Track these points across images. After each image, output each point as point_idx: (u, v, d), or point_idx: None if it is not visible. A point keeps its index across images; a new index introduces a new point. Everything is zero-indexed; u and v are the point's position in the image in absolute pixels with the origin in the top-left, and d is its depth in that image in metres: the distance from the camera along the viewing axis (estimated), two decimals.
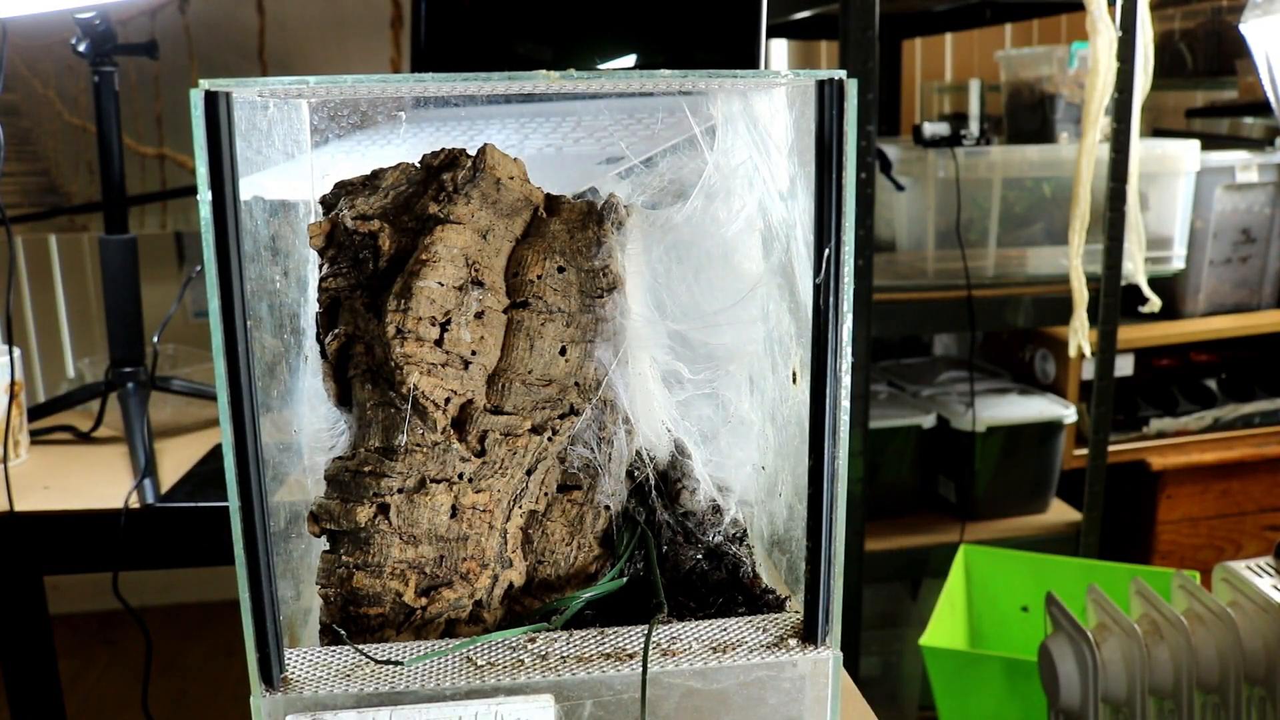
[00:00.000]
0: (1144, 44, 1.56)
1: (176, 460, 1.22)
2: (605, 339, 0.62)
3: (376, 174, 0.63)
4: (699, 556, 0.66)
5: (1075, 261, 1.56)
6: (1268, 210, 2.04)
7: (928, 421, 1.82)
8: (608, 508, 0.65)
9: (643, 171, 0.71)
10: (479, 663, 0.57)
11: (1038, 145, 1.78)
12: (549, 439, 0.61)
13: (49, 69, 1.64)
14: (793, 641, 0.59)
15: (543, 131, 0.87)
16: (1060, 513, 1.87)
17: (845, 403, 0.56)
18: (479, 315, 0.59)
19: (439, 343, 0.58)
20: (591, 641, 0.59)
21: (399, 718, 0.53)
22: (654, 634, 0.59)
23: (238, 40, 1.64)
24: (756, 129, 0.63)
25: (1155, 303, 1.70)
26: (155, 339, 1.28)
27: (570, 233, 0.62)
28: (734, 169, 0.64)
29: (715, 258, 0.64)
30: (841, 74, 0.53)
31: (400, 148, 0.70)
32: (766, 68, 1.27)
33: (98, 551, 1.11)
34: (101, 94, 1.20)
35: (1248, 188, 2.01)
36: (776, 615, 0.62)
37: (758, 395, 0.68)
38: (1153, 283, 1.71)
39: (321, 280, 0.62)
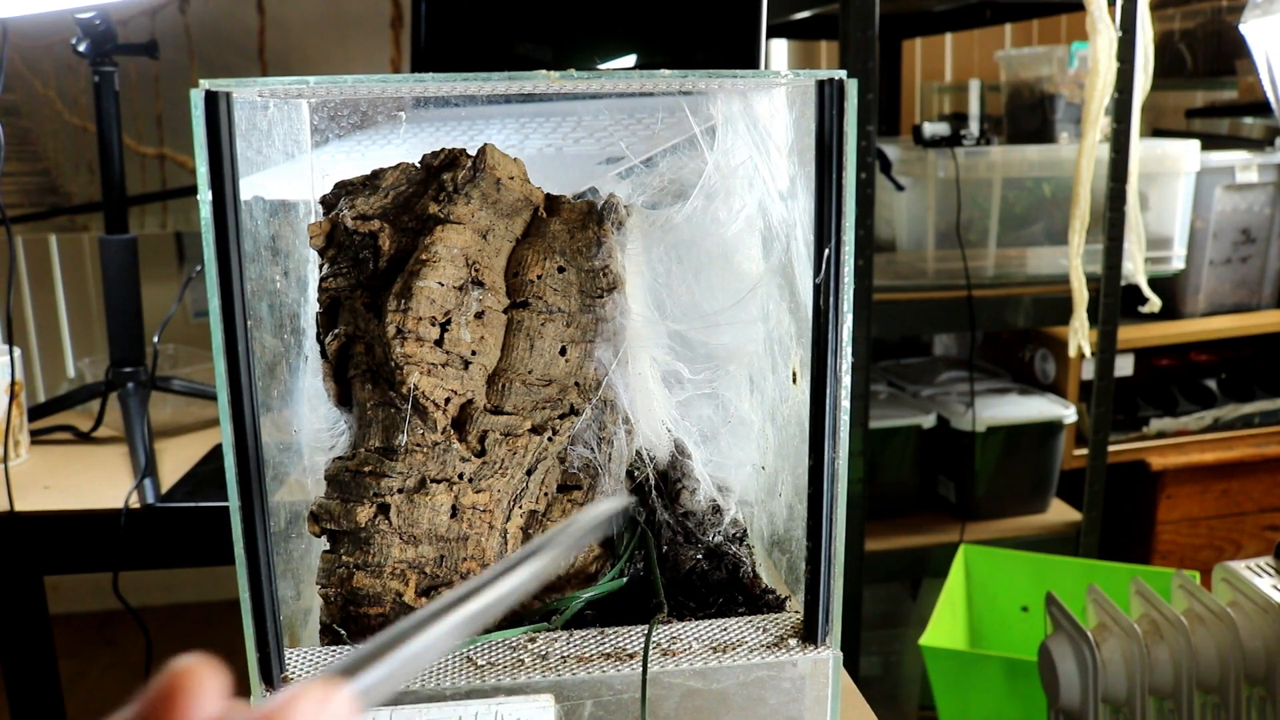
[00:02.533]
0: (1144, 44, 1.56)
1: (176, 460, 1.22)
2: (605, 339, 0.62)
3: (376, 174, 0.63)
4: (699, 556, 0.66)
5: (1075, 261, 1.56)
6: (1268, 210, 2.04)
7: (928, 421, 1.82)
8: None
9: (643, 171, 0.71)
10: (479, 663, 0.57)
11: (1038, 145, 1.78)
12: (549, 439, 0.61)
13: (49, 69, 1.64)
14: (793, 641, 0.59)
15: (543, 131, 0.87)
16: (1060, 513, 1.87)
17: (845, 403, 0.56)
18: (479, 315, 0.59)
19: (439, 343, 0.58)
20: (591, 641, 0.59)
21: (399, 718, 0.53)
22: (654, 634, 0.59)
23: (238, 40, 1.64)
24: (756, 129, 0.63)
25: (1155, 303, 1.70)
26: (155, 339, 1.28)
27: (570, 233, 0.62)
28: (734, 169, 0.64)
29: (715, 258, 0.64)
30: (841, 74, 0.53)
31: (400, 148, 0.70)
32: (766, 68, 1.27)
33: (98, 551, 1.11)
34: (101, 94, 1.20)
35: (1248, 188, 2.01)
36: (776, 615, 0.62)
37: (758, 395, 0.68)
38: (1153, 283, 1.71)
39: (321, 280, 0.62)
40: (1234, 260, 2.06)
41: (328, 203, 0.64)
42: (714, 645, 0.59)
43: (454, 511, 0.59)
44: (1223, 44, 2.22)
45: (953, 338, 2.30)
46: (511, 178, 0.62)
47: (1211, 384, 2.10)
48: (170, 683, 0.22)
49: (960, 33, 2.51)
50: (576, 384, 0.62)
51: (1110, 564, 1.58)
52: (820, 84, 0.53)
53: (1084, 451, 1.78)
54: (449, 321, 0.58)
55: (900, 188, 1.75)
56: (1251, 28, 1.55)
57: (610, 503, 0.32)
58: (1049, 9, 2.03)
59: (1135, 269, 1.68)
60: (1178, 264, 1.86)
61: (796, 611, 0.63)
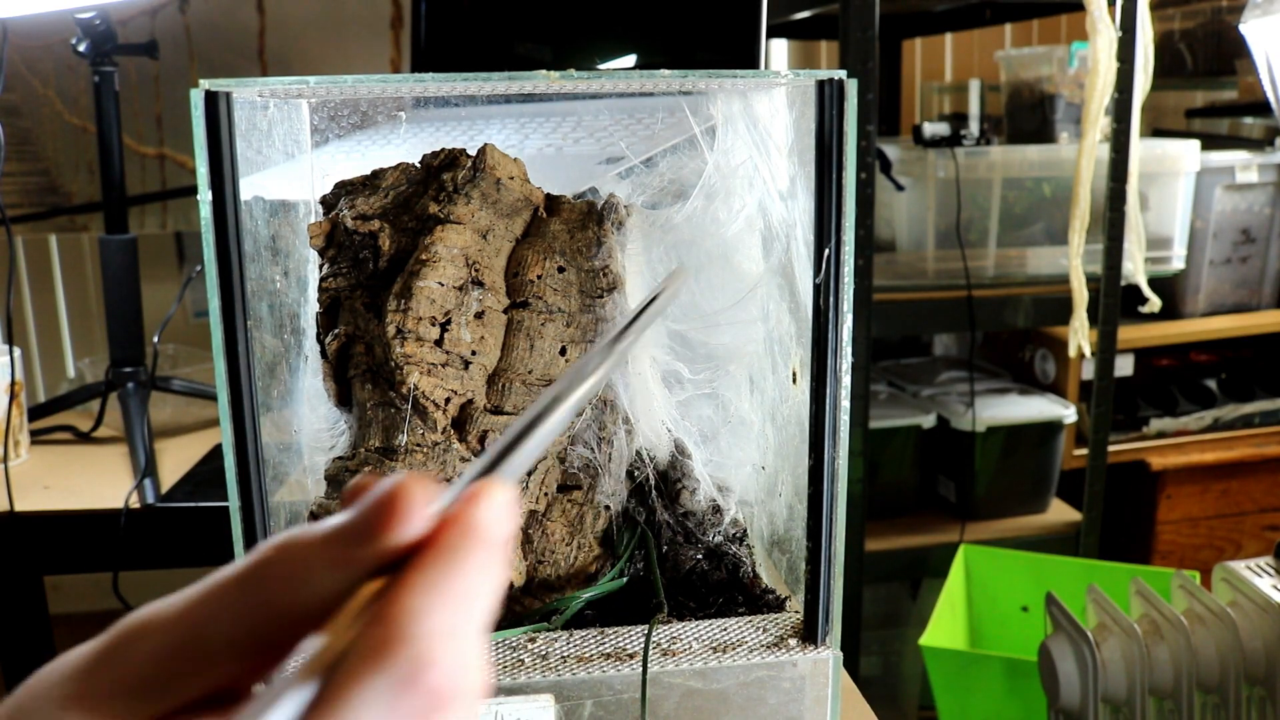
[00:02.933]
0: (1144, 44, 1.56)
1: (176, 460, 1.21)
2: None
3: (376, 174, 0.63)
4: (699, 556, 0.66)
5: (1075, 261, 1.56)
6: (1268, 210, 2.04)
7: (928, 421, 1.82)
8: (608, 508, 0.65)
9: (643, 171, 0.71)
10: None
11: (1038, 145, 1.78)
12: None
13: (49, 69, 1.64)
14: (793, 641, 0.59)
15: (543, 131, 0.87)
16: (1060, 513, 1.87)
17: (845, 403, 0.56)
18: (479, 315, 0.59)
19: (439, 343, 0.58)
20: (591, 641, 0.59)
21: None
22: (654, 634, 0.59)
23: (238, 40, 1.64)
24: (756, 129, 0.63)
25: (1155, 303, 1.70)
26: (155, 339, 1.28)
27: (570, 233, 0.62)
28: (734, 169, 0.64)
29: (715, 258, 0.64)
30: (841, 74, 0.53)
31: (400, 148, 0.70)
32: (766, 68, 1.27)
33: (98, 551, 1.11)
34: (101, 94, 1.20)
35: (1248, 188, 2.01)
36: (776, 615, 0.62)
37: (758, 395, 0.68)
38: (1153, 283, 1.71)
39: (321, 280, 0.62)
40: (1234, 260, 2.06)
41: (328, 203, 0.64)
42: (714, 645, 0.59)
43: None
44: (1223, 44, 2.21)
45: (953, 338, 2.30)
46: (511, 178, 0.62)
47: (1211, 384, 2.10)
48: (388, 495, 0.25)
49: (960, 33, 2.51)
50: None
51: (1110, 564, 1.58)
52: (820, 84, 0.53)
53: (1084, 451, 1.78)
54: (449, 321, 0.58)
55: (900, 188, 1.75)
56: (1251, 28, 1.55)
57: (678, 275, 0.34)
58: (1049, 9, 2.03)
59: (1135, 269, 1.68)
60: (1178, 264, 1.86)
61: (796, 611, 0.63)
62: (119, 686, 0.25)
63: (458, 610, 0.24)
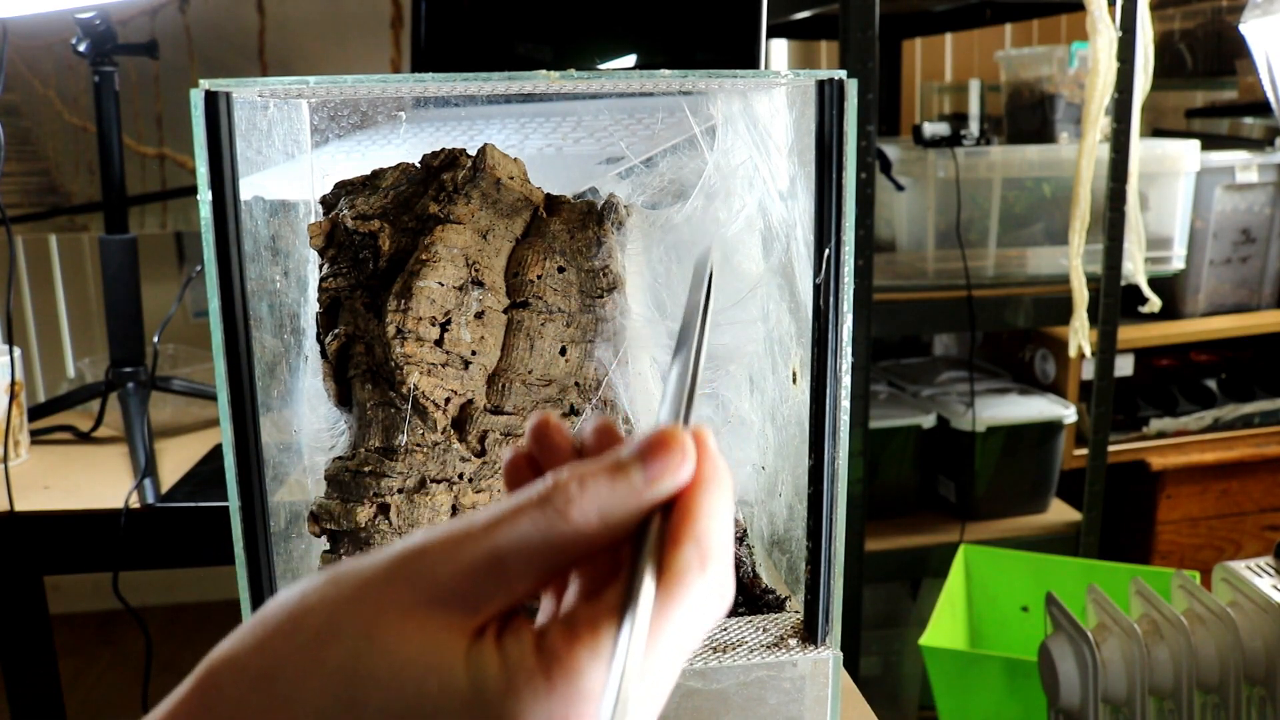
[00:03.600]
0: (1144, 44, 1.56)
1: (176, 460, 1.21)
2: (605, 339, 0.62)
3: (376, 174, 0.63)
4: None
5: (1075, 261, 1.56)
6: (1268, 210, 2.04)
7: (928, 421, 1.82)
8: None
9: (643, 171, 0.71)
10: None
11: (1038, 145, 1.78)
12: None
13: (49, 69, 1.64)
14: (793, 641, 0.59)
15: (543, 131, 0.87)
16: (1060, 513, 1.87)
17: (845, 403, 0.56)
18: (479, 315, 0.59)
19: (439, 343, 0.58)
20: None
21: None
22: None
23: (238, 40, 1.64)
24: (756, 129, 0.63)
25: (1155, 303, 1.70)
26: (155, 339, 1.28)
27: (570, 233, 0.62)
28: (734, 169, 0.64)
29: (715, 258, 0.64)
30: (841, 74, 0.53)
31: (400, 148, 0.70)
32: (766, 68, 1.27)
33: (98, 551, 1.11)
34: (101, 94, 1.20)
35: (1248, 188, 2.01)
36: (776, 615, 0.62)
37: (758, 395, 0.68)
38: (1153, 283, 1.71)
39: (321, 280, 0.62)
40: (1234, 260, 2.06)
41: (328, 203, 0.64)
42: (714, 645, 0.59)
43: (454, 511, 0.59)
44: (1223, 44, 2.21)
45: (953, 338, 2.30)
46: (511, 178, 0.62)
47: (1211, 384, 2.10)
48: (669, 441, 0.29)
49: (960, 33, 2.51)
50: (576, 384, 0.62)
51: (1110, 564, 1.58)
52: (820, 84, 0.53)
53: (1084, 451, 1.78)
54: (449, 321, 0.58)
55: (900, 188, 1.75)
56: (1251, 28, 1.55)
57: (710, 252, 0.37)
58: (1049, 9, 2.03)
59: (1135, 269, 1.68)
60: (1178, 264, 1.86)
61: (796, 611, 0.63)
62: (426, 601, 0.28)
63: (729, 529, 0.30)
